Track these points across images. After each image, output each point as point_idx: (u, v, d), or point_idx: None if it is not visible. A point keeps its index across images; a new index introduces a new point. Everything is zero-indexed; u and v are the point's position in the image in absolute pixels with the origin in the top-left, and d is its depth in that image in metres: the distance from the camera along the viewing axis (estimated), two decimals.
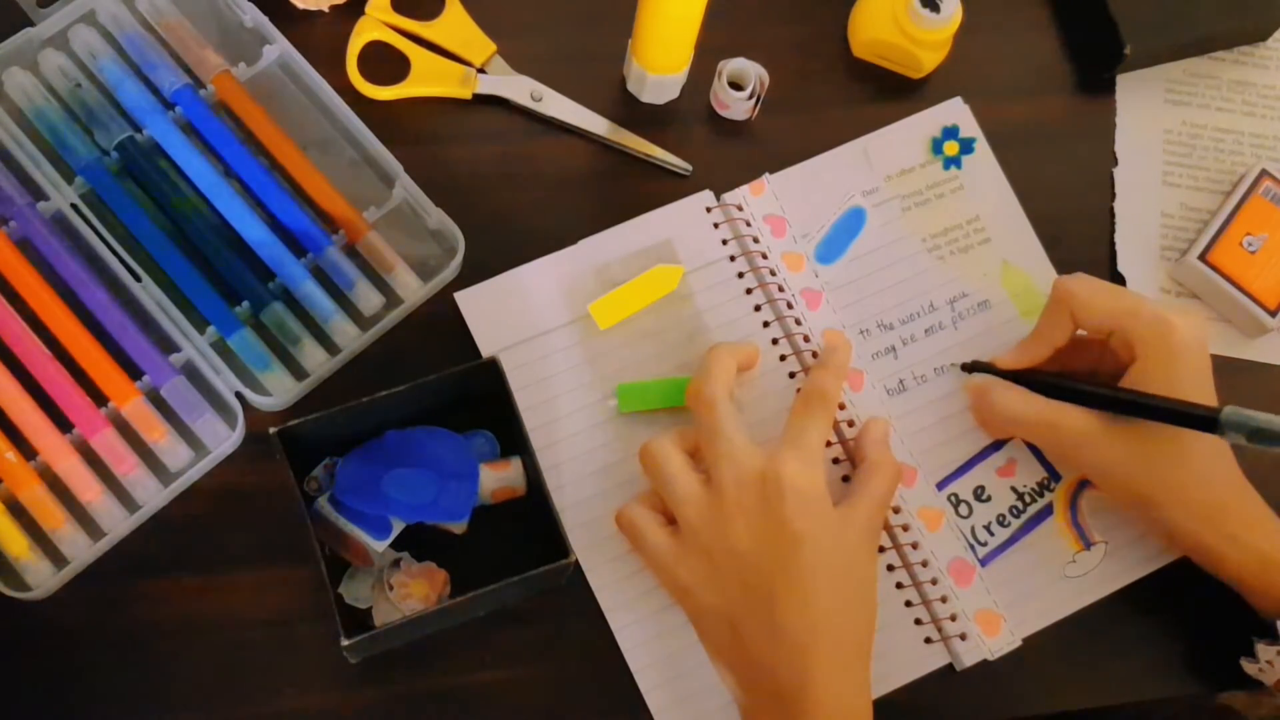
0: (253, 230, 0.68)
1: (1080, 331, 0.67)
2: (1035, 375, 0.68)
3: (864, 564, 0.63)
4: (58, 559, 0.63)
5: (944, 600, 0.67)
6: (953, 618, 0.67)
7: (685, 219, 0.72)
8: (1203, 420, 0.61)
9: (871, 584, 0.64)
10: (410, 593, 0.64)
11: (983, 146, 0.76)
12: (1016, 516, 0.69)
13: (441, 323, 0.69)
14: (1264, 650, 0.64)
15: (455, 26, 0.74)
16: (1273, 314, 0.72)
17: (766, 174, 0.74)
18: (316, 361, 0.67)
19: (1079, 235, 0.75)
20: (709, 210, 0.72)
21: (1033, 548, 0.69)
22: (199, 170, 0.69)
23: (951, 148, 0.75)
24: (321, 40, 0.72)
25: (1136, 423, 0.64)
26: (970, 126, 0.76)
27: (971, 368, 0.70)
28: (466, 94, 0.73)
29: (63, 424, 0.64)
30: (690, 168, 0.74)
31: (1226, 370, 0.74)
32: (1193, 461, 0.64)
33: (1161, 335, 0.63)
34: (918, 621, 0.67)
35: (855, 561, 0.63)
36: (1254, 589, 0.64)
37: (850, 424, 0.70)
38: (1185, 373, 0.63)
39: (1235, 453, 0.65)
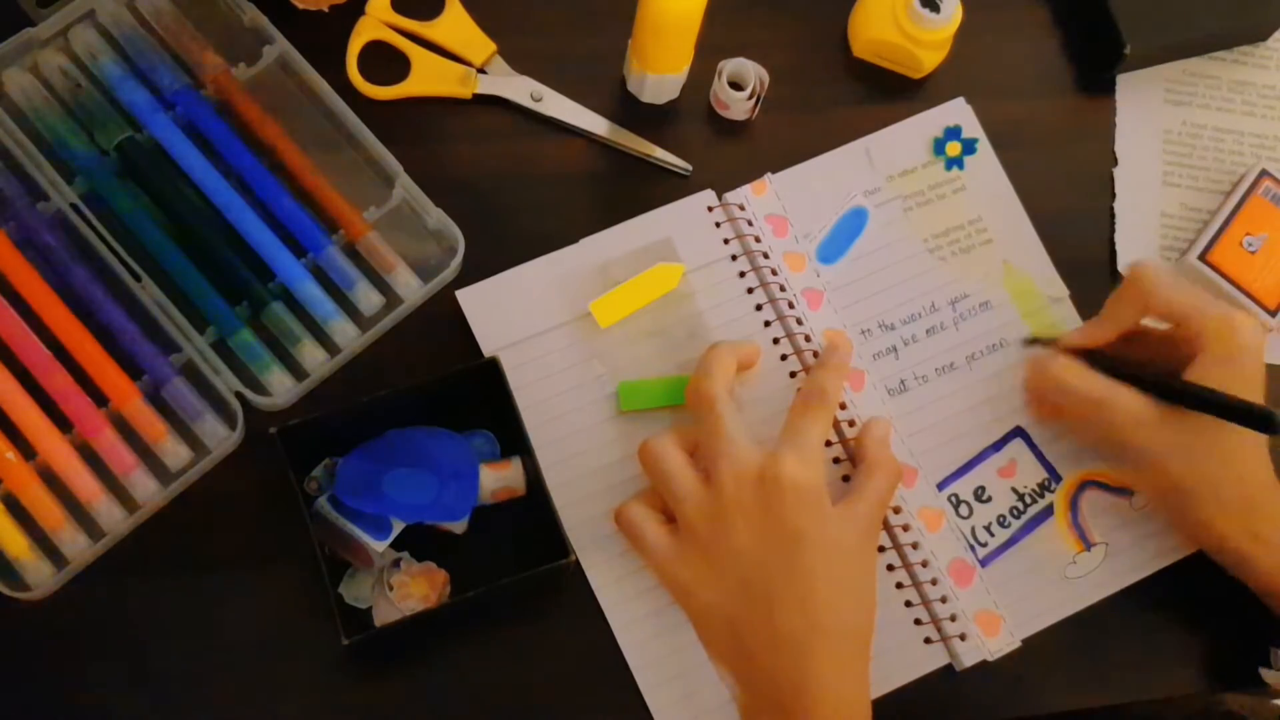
0: (253, 230, 0.68)
1: (1146, 322, 0.67)
2: (1097, 357, 0.68)
3: (863, 563, 0.63)
4: (58, 559, 0.63)
5: (944, 600, 0.67)
6: (952, 618, 0.67)
7: (687, 218, 0.72)
8: (1257, 418, 0.62)
9: (871, 583, 0.64)
10: (410, 593, 0.64)
11: (984, 147, 0.76)
12: (1017, 517, 0.69)
13: (441, 323, 0.69)
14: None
15: (455, 26, 0.74)
16: (1273, 314, 0.73)
17: (769, 174, 0.74)
18: (316, 361, 0.67)
19: (1079, 235, 0.75)
20: (710, 210, 0.72)
21: (1033, 548, 0.69)
22: (199, 170, 0.69)
23: (954, 148, 0.75)
24: (321, 40, 0.72)
25: (1185, 414, 0.64)
26: (972, 127, 0.76)
27: (1033, 343, 0.71)
28: (466, 94, 0.73)
29: (63, 424, 0.64)
30: (690, 168, 0.74)
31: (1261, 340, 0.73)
32: (1233, 458, 0.64)
33: (1227, 334, 0.64)
34: (917, 622, 0.67)
35: (854, 560, 0.63)
36: (1275, 592, 0.64)
37: (851, 424, 0.70)
38: (1242, 374, 0.64)
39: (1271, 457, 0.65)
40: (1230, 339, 0.64)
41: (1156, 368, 0.67)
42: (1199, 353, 0.64)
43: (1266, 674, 0.65)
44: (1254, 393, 0.64)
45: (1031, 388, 0.71)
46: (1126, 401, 0.65)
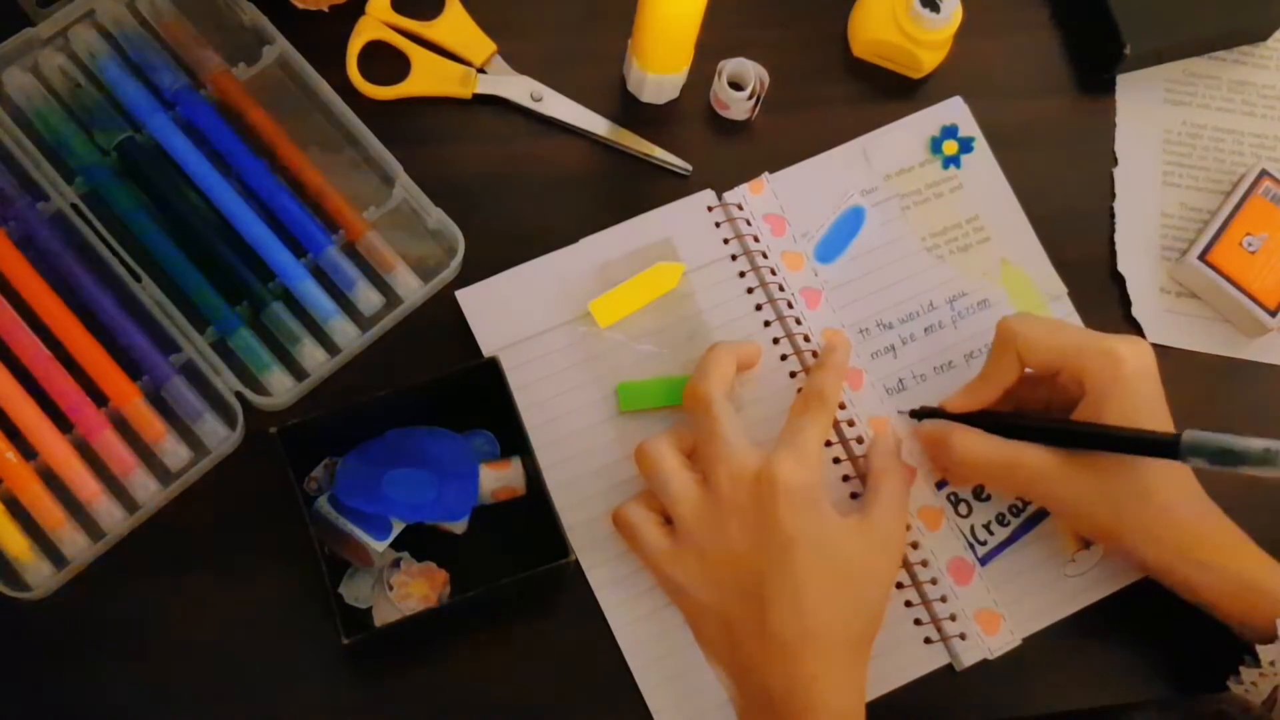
0: (252, 230, 0.68)
1: (1028, 370, 0.66)
2: (988, 416, 0.66)
3: (871, 569, 0.63)
4: (58, 559, 0.63)
5: (944, 600, 0.67)
6: (952, 617, 0.67)
7: (686, 218, 0.72)
8: (1162, 446, 0.60)
9: (875, 591, 0.63)
10: (410, 593, 0.64)
11: (981, 146, 0.76)
12: (1016, 515, 0.69)
13: (441, 323, 0.69)
14: (1247, 672, 0.63)
15: (455, 26, 0.74)
16: (1273, 314, 0.72)
17: (766, 173, 0.74)
18: (316, 361, 0.67)
19: (1079, 235, 0.75)
20: (710, 210, 0.73)
21: (1032, 547, 0.69)
22: (199, 170, 0.69)
23: (950, 147, 0.75)
24: (321, 40, 0.72)
25: (1097, 457, 0.63)
26: (969, 125, 0.76)
27: (921, 414, 0.69)
28: (466, 94, 0.73)
29: (63, 424, 0.64)
30: (690, 168, 0.74)
31: (1226, 370, 0.74)
32: (1156, 491, 0.63)
33: (1110, 369, 0.63)
34: (917, 621, 0.67)
35: (858, 565, 0.62)
36: (1230, 613, 0.63)
37: (851, 423, 0.70)
38: (1139, 403, 0.63)
39: (1198, 476, 0.64)
40: (1116, 373, 0.62)
41: (1054, 412, 0.66)
42: (1087, 393, 0.63)
43: (1234, 686, 0.64)
44: (1155, 418, 0.63)
45: (935, 463, 0.69)
46: (1031, 459, 0.64)
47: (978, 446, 0.65)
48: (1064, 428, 0.64)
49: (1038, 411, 0.68)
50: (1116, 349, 0.63)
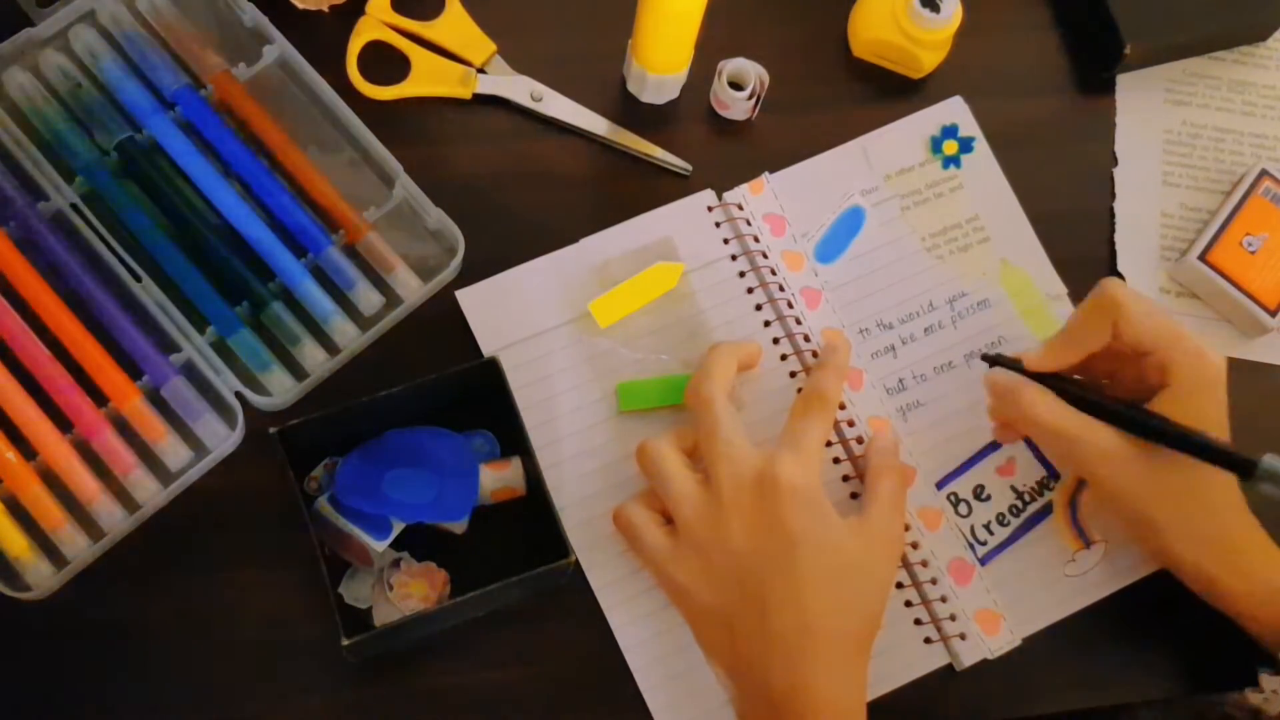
0: (253, 230, 0.68)
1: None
2: (1063, 382, 0.65)
3: (870, 569, 0.63)
4: (58, 559, 0.63)
5: (944, 600, 0.67)
6: (952, 617, 0.67)
7: (686, 218, 0.72)
8: (1239, 464, 0.60)
9: (875, 591, 0.63)
10: (410, 593, 0.64)
11: (982, 145, 0.76)
12: (1016, 515, 0.69)
13: (441, 323, 0.69)
14: (1268, 681, 0.63)
15: (455, 26, 0.74)
16: (1273, 314, 0.72)
17: (766, 173, 0.74)
18: (316, 361, 0.67)
19: (1079, 235, 0.75)
20: (710, 209, 0.73)
21: (1032, 547, 0.69)
22: (199, 170, 0.69)
23: (950, 147, 0.75)
24: (321, 40, 0.72)
25: (1156, 448, 0.63)
26: (969, 125, 0.76)
27: (994, 360, 0.68)
28: (466, 94, 0.73)
29: (63, 424, 0.64)
30: (690, 167, 0.74)
31: (1226, 370, 0.74)
32: (1205, 492, 0.63)
33: (1199, 368, 0.63)
34: (917, 621, 0.67)
35: (858, 566, 0.62)
36: (1256, 619, 0.64)
37: (851, 423, 0.70)
38: (1213, 408, 0.63)
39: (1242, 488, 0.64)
40: (1203, 374, 0.63)
41: (1115, 387, 0.66)
42: (1169, 384, 0.63)
43: (1252, 695, 0.64)
44: (1220, 425, 0.63)
45: (996, 414, 0.69)
46: (1097, 437, 0.63)
47: (1050, 411, 0.64)
48: (1142, 418, 0.63)
49: (1099, 382, 0.67)
50: (1206, 351, 0.63)
